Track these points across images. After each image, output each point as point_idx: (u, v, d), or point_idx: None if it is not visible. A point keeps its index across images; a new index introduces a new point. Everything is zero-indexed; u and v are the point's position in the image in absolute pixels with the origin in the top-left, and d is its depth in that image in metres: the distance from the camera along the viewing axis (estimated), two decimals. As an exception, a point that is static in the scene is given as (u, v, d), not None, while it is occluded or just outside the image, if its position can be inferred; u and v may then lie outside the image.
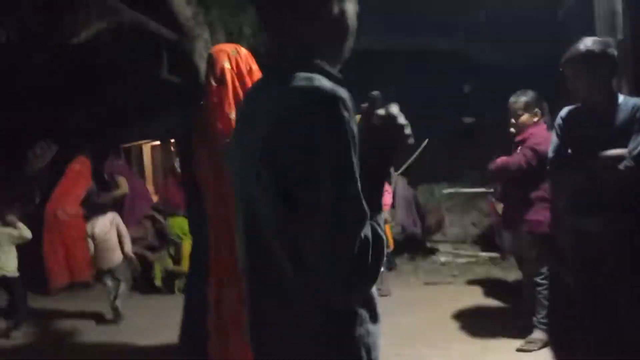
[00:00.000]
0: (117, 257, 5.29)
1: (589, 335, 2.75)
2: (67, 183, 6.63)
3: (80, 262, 6.34)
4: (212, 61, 2.49)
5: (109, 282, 5.22)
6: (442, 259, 6.47)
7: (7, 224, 5.11)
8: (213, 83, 2.45)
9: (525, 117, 3.76)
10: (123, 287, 5.28)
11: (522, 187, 3.74)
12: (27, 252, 5.86)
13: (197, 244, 3.12)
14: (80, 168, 6.73)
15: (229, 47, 2.56)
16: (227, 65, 2.46)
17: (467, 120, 11.19)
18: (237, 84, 2.48)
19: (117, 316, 5.13)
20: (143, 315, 5.33)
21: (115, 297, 5.15)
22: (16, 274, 5.10)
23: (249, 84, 2.47)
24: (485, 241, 6.78)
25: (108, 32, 6.53)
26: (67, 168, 6.69)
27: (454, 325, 4.26)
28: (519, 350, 3.65)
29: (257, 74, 2.54)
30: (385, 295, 5.25)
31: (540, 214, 3.67)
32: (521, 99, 3.76)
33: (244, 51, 2.56)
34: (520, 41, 8.39)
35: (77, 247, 6.33)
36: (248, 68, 2.52)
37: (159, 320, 5.13)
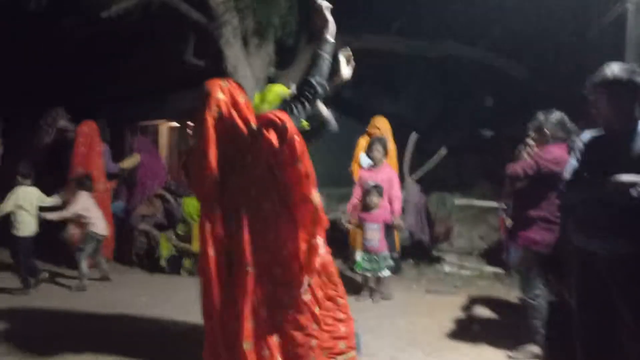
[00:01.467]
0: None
1: (586, 356, 2.74)
2: (81, 150, 6.53)
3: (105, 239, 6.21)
4: (206, 95, 2.54)
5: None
6: (447, 269, 6.46)
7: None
8: (209, 117, 2.50)
9: (534, 137, 3.86)
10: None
11: (525, 202, 3.81)
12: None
13: None
14: (88, 130, 6.63)
15: (220, 80, 2.62)
16: (221, 97, 2.52)
17: (486, 133, 11.15)
18: (233, 113, 2.53)
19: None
20: (146, 293, 5.39)
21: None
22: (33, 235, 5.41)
23: (244, 111, 2.54)
24: (492, 256, 6.75)
25: (138, 9, 6.59)
26: (76, 133, 6.63)
27: (451, 335, 4.26)
28: (509, 357, 3.76)
29: (249, 104, 2.60)
30: (387, 299, 5.27)
31: (537, 233, 3.71)
32: (539, 117, 3.83)
33: (233, 83, 2.64)
34: (547, 58, 8.34)
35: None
36: (240, 98, 2.58)
37: (159, 298, 5.21)
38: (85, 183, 5.83)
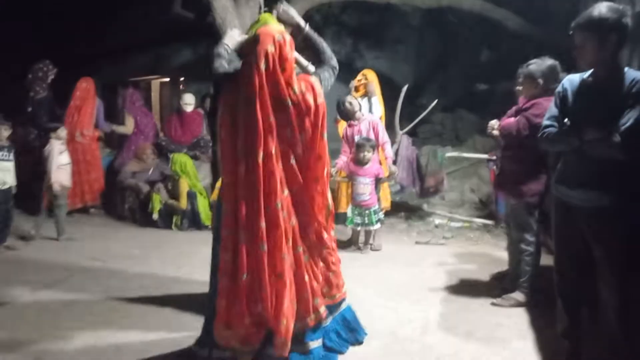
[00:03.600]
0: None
1: (565, 303, 2.78)
2: (77, 103, 6.78)
3: (92, 184, 6.68)
4: (257, 43, 2.49)
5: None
6: (437, 221, 6.50)
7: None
8: (260, 65, 2.46)
9: (525, 85, 3.75)
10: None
11: (514, 153, 3.76)
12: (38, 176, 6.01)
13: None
14: (87, 86, 6.89)
15: (276, 31, 2.57)
16: (270, 49, 2.48)
17: (481, 86, 11.03)
18: (278, 69, 2.50)
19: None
20: (137, 246, 5.44)
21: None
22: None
23: (289, 71, 2.53)
24: (482, 208, 6.79)
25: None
26: (75, 88, 6.84)
27: (438, 284, 4.31)
28: (493, 304, 3.81)
29: (293, 62, 2.60)
30: (377, 250, 5.33)
31: (523, 183, 3.69)
32: (530, 66, 3.72)
33: (288, 37, 2.59)
34: (547, 10, 8.14)
35: (91, 169, 6.67)
36: (290, 55, 2.55)
37: (153, 251, 5.26)
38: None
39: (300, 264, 2.72)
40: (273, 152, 2.55)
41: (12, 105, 6.89)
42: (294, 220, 2.68)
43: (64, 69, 7.06)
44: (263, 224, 2.55)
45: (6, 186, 5.11)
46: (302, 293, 2.71)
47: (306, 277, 2.72)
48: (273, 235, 2.58)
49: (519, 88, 3.84)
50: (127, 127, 7.27)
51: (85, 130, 6.66)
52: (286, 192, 2.64)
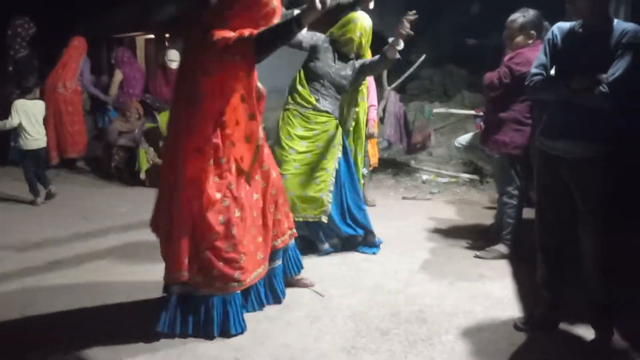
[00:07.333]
0: None
1: (545, 254, 2.83)
2: (65, 59, 6.84)
3: (76, 136, 6.78)
4: None
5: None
6: (424, 177, 6.54)
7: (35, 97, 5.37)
8: None
9: (519, 39, 3.70)
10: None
11: (497, 107, 3.79)
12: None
13: None
14: (78, 44, 6.96)
15: None
16: None
17: (471, 41, 10.90)
18: None
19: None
20: (125, 204, 5.44)
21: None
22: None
23: None
24: (469, 163, 6.82)
25: None
26: (67, 45, 6.91)
27: (424, 237, 4.39)
28: (476, 256, 3.90)
29: None
30: (372, 206, 5.36)
31: (506, 135, 3.72)
32: (519, 20, 3.68)
33: None
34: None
35: (75, 121, 6.77)
36: None
37: (140, 209, 5.26)
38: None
39: None
40: None
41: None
42: None
43: (45, 25, 6.91)
44: None
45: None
46: None
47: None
48: None
49: (509, 42, 3.79)
50: (114, 84, 7.29)
51: (68, 83, 6.72)
52: None
